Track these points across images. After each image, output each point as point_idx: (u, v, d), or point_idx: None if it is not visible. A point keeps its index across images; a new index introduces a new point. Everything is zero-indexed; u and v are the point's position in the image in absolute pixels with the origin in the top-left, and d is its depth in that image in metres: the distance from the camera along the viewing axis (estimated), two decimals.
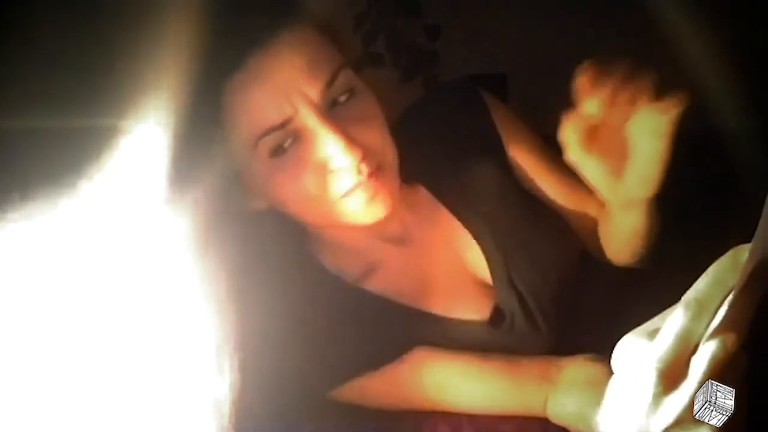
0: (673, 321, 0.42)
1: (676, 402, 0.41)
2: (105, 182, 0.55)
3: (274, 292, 0.66)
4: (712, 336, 0.40)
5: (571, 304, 0.71)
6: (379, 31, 1.51)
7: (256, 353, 0.68)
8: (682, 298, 0.42)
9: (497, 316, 0.68)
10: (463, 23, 1.52)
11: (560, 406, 0.62)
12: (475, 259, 0.70)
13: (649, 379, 0.42)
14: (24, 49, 0.63)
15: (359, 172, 0.58)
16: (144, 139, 0.54)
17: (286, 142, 0.58)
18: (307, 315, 0.68)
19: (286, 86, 0.56)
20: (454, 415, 0.68)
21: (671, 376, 0.42)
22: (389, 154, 0.62)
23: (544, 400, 0.64)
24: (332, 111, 0.58)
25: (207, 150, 0.59)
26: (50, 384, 0.53)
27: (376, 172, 0.60)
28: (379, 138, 0.61)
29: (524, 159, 0.74)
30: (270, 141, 0.58)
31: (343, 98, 0.58)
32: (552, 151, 0.74)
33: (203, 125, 0.57)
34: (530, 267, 0.69)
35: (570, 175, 0.70)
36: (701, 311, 0.41)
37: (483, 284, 0.70)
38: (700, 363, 0.40)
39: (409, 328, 0.68)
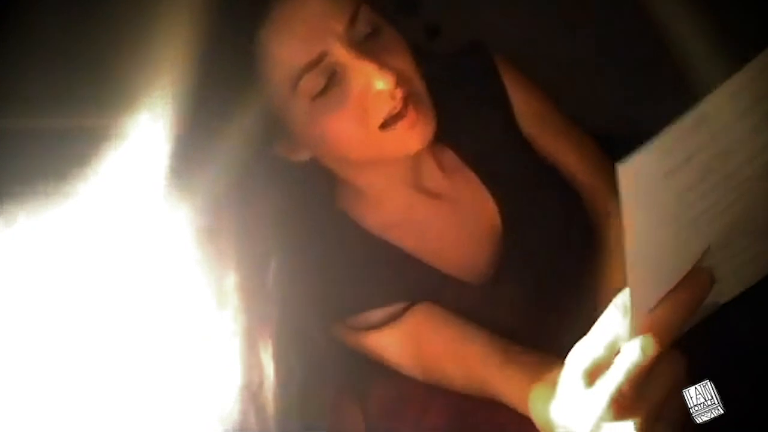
0: (602, 320, 0.42)
1: (596, 402, 0.41)
2: (107, 177, 0.55)
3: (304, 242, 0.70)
4: (633, 338, 0.39)
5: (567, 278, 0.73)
6: None
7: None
8: (614, 299, 0.41)
9: (499, 277, 0.71)
10: (462, 23, 1.52)
11: (535, 401, 0.56)
12: (490, 220, 0.74)
13: (576, 376, 0.42)
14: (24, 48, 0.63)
15: (393, 96, 0.61)
16: (148, 129, 0.55)
17: (325, 81, 0.61)
18: (331, 261, 0.71)
19: (313, 26, 0.60)
20: (453, 406, 0.68)
21: (596, 373, 0.41)
22: (419, 84, 0.64)
23: (527, 396, 0.57)
24: (361, 44, 0.62)
25: (236, 105, 0.62)
26: (55, 383, 0.53)
27: (412, 99, 0.63)
28: (408, 66, 0.64)
29: (533, 120, 0.77)
30: (309, 81, 0.61)
31: (368, 32, 0.62)
32: (562, 116, 0.78)
33: (230, 83, 0.61)
34: (537, 230, 0.72)
35: (582, 142, 0.76)
36: (627, 313, 0.40)
37: (493, 244, 0.73)
38: (619, 365, 0.40)
39: (417, 281, 0.70)
